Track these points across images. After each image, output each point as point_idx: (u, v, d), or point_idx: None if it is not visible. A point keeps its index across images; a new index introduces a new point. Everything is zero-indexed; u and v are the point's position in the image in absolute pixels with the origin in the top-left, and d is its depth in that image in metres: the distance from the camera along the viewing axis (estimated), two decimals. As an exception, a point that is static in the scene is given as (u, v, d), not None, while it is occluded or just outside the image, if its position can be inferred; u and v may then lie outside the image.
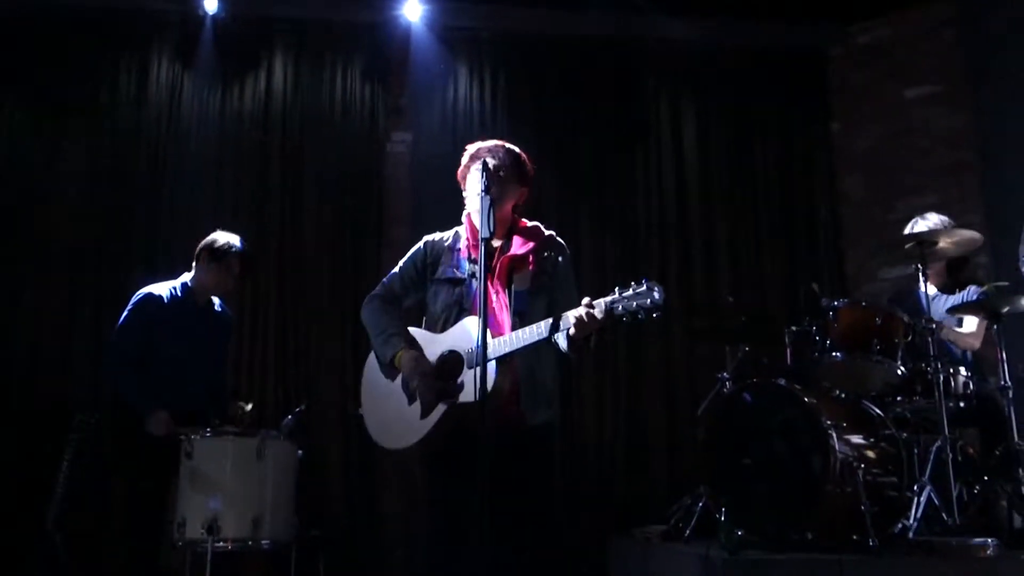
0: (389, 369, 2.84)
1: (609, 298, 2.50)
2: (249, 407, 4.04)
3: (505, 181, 2.84)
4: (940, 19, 6.03)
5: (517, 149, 2.93)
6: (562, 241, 2.96)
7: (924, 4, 6.05)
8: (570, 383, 5.54)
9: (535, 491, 2.79)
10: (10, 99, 5.51)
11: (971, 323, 4.34)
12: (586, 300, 2.53)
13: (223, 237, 4.04)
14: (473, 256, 2.84)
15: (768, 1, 5.99)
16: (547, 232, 2.95)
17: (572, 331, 2.55)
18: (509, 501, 2.54)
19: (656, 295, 2.42)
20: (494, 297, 2.77)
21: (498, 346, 2.61)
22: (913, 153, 6.00)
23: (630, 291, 2.47)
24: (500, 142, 2.94)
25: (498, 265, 2.79)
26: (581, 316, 2.51)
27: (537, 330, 2.59)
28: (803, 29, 6.28)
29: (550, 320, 2.58)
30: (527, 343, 2.60)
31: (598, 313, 2.50)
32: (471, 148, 2.94)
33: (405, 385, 2.81)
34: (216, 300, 4.15)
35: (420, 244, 3.02)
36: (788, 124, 6.28)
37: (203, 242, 4.04)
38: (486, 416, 2.33)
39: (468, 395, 2.61)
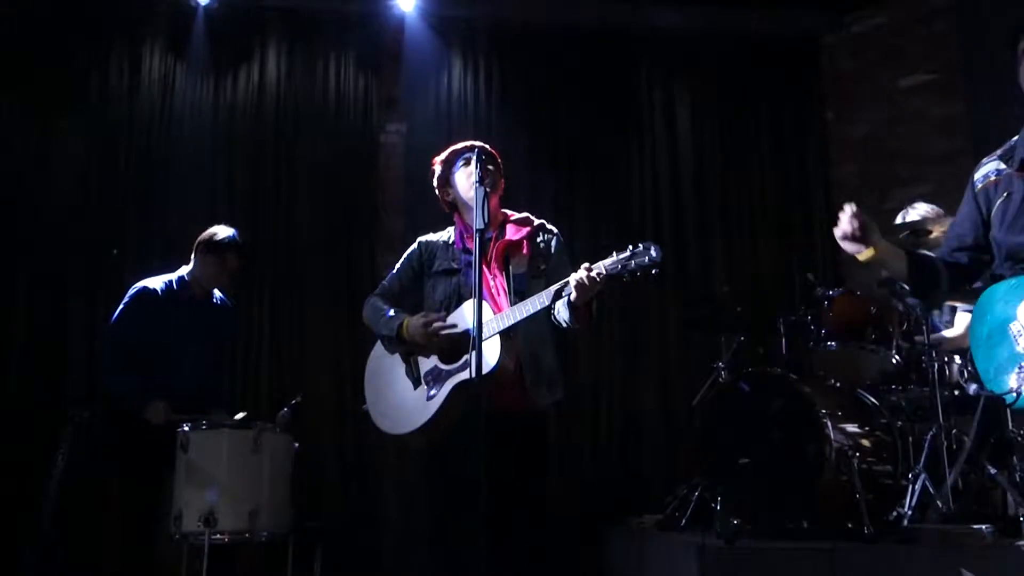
0: (397, 343, 2.86)
1: (608, 260, 2.56)
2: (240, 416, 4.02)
3: (494, 173, 2.91)
4: (934, 7, 6.02)
5: (486, 145, 3.00)
6: (554, 228, 3.03)
7: (918, -8, 6.06)
8: (566, 372, 5.51)
9: (535, 476, 2.81)
10: (0, 90, 5.47)
11: (962, 321, 4.33)
12: (585, 264, 2.59)
13: (221, 231, 4.03)
14: (468, 246, 2.88)
15: (762, -11, 6.00)
16: (538, 220, 3.01)
17: (573, 295, 2.59)
18: (507, 489, 2.55)
19: (653, 252, 2.48)
20: (492, 281, 2.80)
21: (501, 320, 2.65)
22: (907, 142, 6.00)
23: (628, 252, 2.53)
24: (469, 141, 3.00)
25: (493, 251, 2.85)
26: (582, 279, 2.56)
27: (539, 299, 2.63)
28: (797, 17, 6.27)
29: (553, 288, 2.62)
30: (529, 314, 2.64)
31: (597, 275, 2.55)
32: (439, 158, 3.03)
33: (408, 370, 2.86)
34: (216, 292, 4.13)
35: (415, 245, 3.09)
36: (782, 113, 6.28)
37: (201, 236, 4.03)
38: (483, 393, 2.36)
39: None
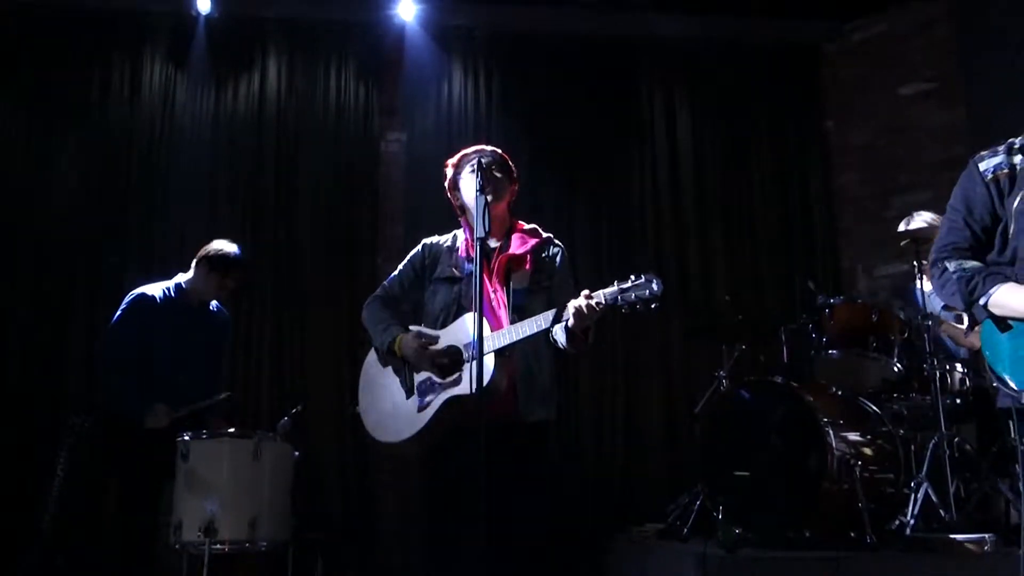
0: (389, 357, 2.87)
1: (608, 290, 2.53)
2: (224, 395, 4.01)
3: (499, 180, 2.87)
4: (933, 15, 6.03)
5: (498, 149, 2.97)
6: (560, 243, 2.99)
7: (917, 1, 6.05)
8: (568, 382, 5.54)
9: (530, 489, 2.78)
10: (2, 100, 5.48)
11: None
12: (584, 292, 2.56)
13: (226, 249, 3.98)
14: (471, 255, 2.86)
15: (762, -2, 6.01)
16: (545, 234, 2.99)
17: (571, 322, 2.57)
18: (504, 498, 2.53)
19: (655, 286, 2.46)
20: (492, 295, 2.78)
21: (498, 339, 2.63)
22: (907, 149, 6.00)
23: (628, 283, 2.50)
24: (480, 145, 2.97)
25: (496, 264, 2.82)
26: (580, 307, 2.53)
27: (538, 322, 2.61)
28: (797, 26, 6.28)
29: (553, 311, 2.60)
30: (527, 335, 2.62)
31: (596, 304, 2.52)
32: (452, 159, 2.99)
33: (402, 379, 2.84)
34: (213, 301, 4.13)
35: (418, 247, 3.05)
36: (782, 121, 6.28)
37: (206, 249, 3.99)
38: (483, 410, 2.35)
39: (466, 388, 2.62)
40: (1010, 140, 2.44)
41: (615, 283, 2.53)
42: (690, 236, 5.99)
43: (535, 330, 2.61)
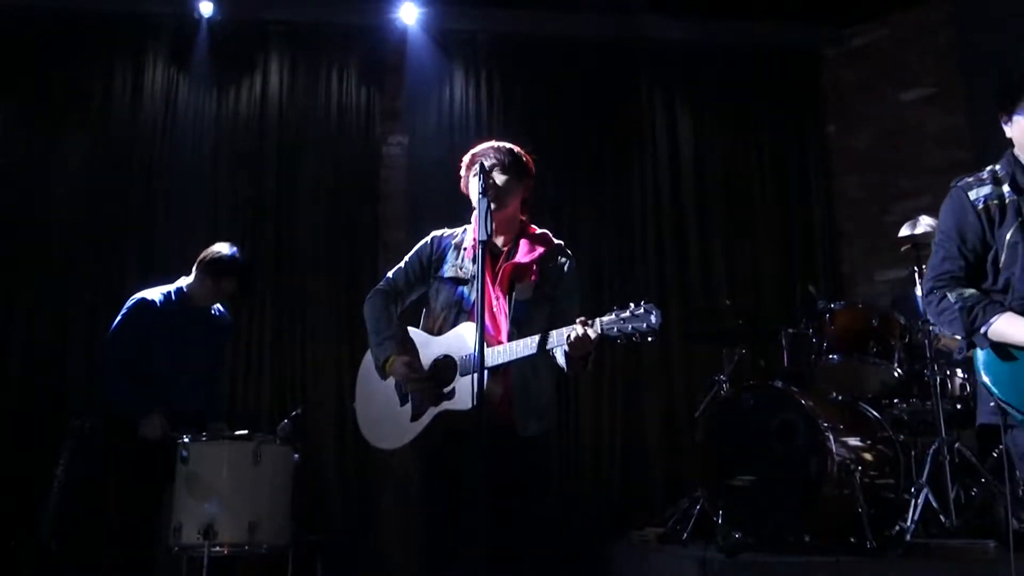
0: (381, 371, 2.84)
1: (606, 318, 2.46)
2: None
3: (506, 182, 2.82)
4: (934, 21, 6.04)
5: (512, 145, 2.90)
6: (570, 252, 2.92)
7: (918, 6, 6.06)
8: (567, 386, 5.53)
9: (528, 501, 2.75)
10: (4, 103, 5.49)
11: None
12: (581, 319, 2.49)
13: (224, 253, 3.93)
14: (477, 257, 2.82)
15: (763, 3, 6.00)
16: (556, 241, 2.92)
17: (568, 350, 2.52)
18: (502, 510, 2.52)
19: (653, 319, 2.37)
20: (495, 301, 2.75)
21: (492, 356, 2.58)
22: (908, 154, 6.00)
23: (627, 313, 2.42)
24: (494, 142, 2.92)
25: (500, 271, 2.78)
26: (577, 335, 2.47)
27: (527, 345, 2.56)
28: (798, 30, 6.29)
29: (538, 337, 2.56)
30: (519, 356, 2.58)
31: (592, 333, 2.46)
32: (467, 157, 2.92)
33: (399, 385, 2.82)
34: (215, 304, 4.12)
35: (427, 239, 2.98)
36: (783, 126, 6.29)
37: (205, 253, 3.95)
38: (483, 425, 2.33)
39: (459, 402, 2.61)
40: (991, 168, 2.53)
41: (614, 310, 2.46)
42: (690, 240, 5.99)
43: (531, 351, 2.55)
